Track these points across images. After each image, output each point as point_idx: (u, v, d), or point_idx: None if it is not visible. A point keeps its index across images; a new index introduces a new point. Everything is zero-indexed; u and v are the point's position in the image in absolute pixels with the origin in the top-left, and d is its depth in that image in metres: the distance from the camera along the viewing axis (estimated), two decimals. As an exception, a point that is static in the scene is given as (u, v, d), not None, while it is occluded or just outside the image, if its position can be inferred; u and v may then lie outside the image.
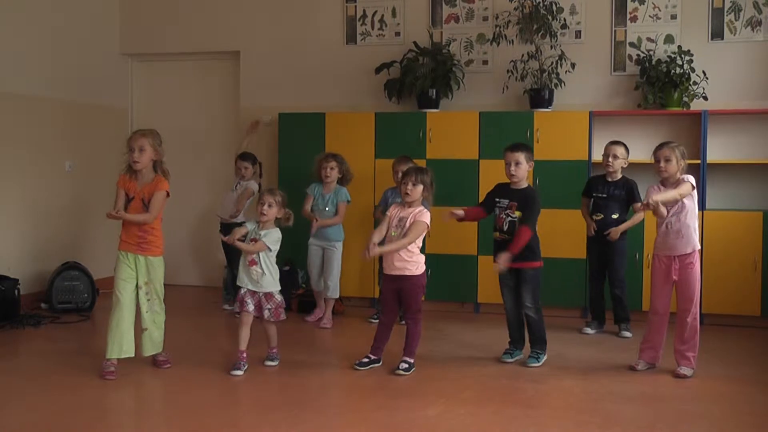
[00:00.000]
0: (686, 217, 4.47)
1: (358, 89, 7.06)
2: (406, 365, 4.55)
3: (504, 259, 4.60)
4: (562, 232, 6.12)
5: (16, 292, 5.90)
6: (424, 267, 4.64)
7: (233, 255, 5.71)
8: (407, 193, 4.57)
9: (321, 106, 6.95)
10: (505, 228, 4.73)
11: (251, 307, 4.55)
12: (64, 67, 6.86)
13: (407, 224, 4.54)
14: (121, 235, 4.51)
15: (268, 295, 4.59)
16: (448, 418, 3.79)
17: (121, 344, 4.38)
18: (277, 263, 4.67)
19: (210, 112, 7.64)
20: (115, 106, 7.59)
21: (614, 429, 3.65)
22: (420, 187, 4.58)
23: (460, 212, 4.79)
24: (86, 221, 7.10)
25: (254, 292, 4.58)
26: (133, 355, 4.44)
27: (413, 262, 4.56)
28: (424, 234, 4.57)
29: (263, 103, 7.25)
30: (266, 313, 4.58)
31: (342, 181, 6.01)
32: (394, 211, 4.69)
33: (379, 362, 4.67)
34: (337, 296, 6.03)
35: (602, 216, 5.60)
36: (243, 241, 4.59)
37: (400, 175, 5.66)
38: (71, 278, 6.35)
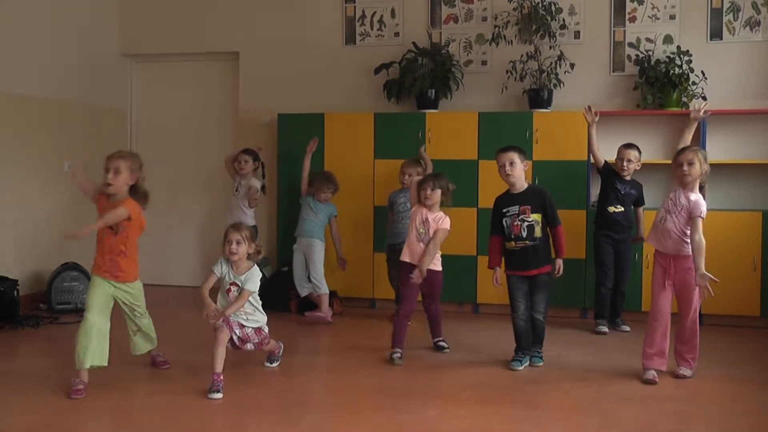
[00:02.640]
0: (677, 224, 4.46)
1: (357, 90, 7.06)
2: (445, 342, 5.10)
3: (560, 266, 4.69)
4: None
5: (15, 292, 5.90)
6: (440, 266, 5.04)
7: None
8: (427, 197, 4.84)
9: (320, 107, 6.95)
10: (524, 234, 4.64)
11: (236, 337, 4.32)
12: (64, 68, 6.86)
13: (431, 228, 4.86)
14: (95, 258, 4.34)
15: (258, 330, 4.42)
16: (447, 419, 3.79)
17: (84, 355, 4.09)
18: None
19: (209, 113, 7.64)
20: (114, 106, 7.59)
21: (613, 429, 3.65)
22: (438, 192, 4.86)
23: (499, 270, 4.81)
24: (85, 221, 6.98)
25: (243, 325, 4.36)
26: (105, 365, 4.19)
27: (436, 260, 4.95)
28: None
29: (262, 103, 7.25)
30: (249, 346, 4.39)
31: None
32: (419, 214, 4.92)
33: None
34: (326, 291, 6.03)
35: (623, 210, 5.70)
36: (229, 288, 4.35)
37: (406, 176, 5.80)
38: (70, 279, 6.35)
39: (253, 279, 4.34)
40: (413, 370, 4.64)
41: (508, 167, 4.65)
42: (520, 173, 4.68)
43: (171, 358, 4.69)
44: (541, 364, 4.75)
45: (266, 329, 4.48)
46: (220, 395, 4.06)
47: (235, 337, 4.33)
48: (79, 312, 6.19)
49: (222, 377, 4.14)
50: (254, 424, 3.72)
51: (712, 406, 4.05)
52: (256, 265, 4.43)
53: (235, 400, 4.06)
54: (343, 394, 4.26)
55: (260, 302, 4.46)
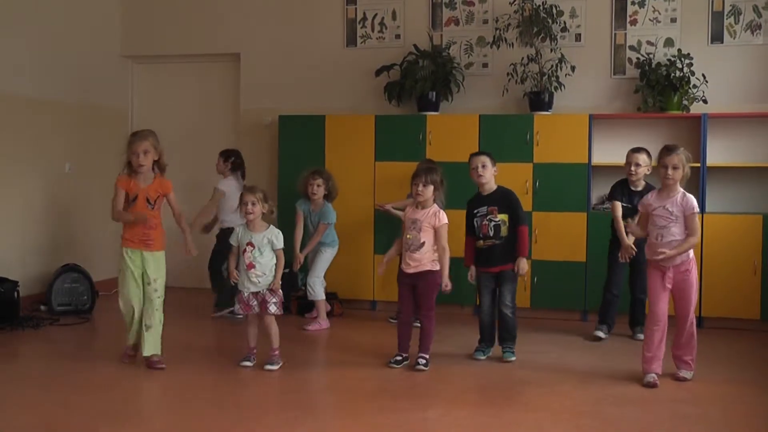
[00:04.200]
0: (675, 234, 4.37)
1: (358, 92, 7.07)
2: (424, 360, 4.69)
3: (523, 267, 4.83)
4: (562, 235, 6.13)
5: (15, 293, 5.89)
6: (438, 264, 4.77)
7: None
8: (419, 193, 4.71)
9: (321, 109, 6.96)
10: (491, 233, 4.89)
11: (257, 309, 4.65)
12: (65, 69, 6.86)
13: (421, 227, 4.68)
14: (123, 235, 4.64)
15: (272, 290, 4.65)
16: (447, 421, 3.80)
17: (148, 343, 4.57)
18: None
19: (210, 115, 7.64)
20: (115, 107, 7.59)
21: (614, 432, 3.66)
22: (431, 187, 4.73)
23: (473, 268, 4.99)
24: (86, 223, 7.10)
25: (257, 292, 4.64)
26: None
27: (431, 260, 4.73)
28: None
29: (263, 105, 7.25)
30: (272, 308, 4.63)
31: (327, 197, 5.98)
32: (408, 214, 4.80)
33: (408, 359, 4.77)
34: (319, 298, 5.91)
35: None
36: (245, 249, 4.65)
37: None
38: (71, 280, 6.35)
39: (280, 237, 4.67)
40: (414, 371, 4.64)
41: (480, 169, 4.91)
42: (490, 176, 4.93)
43: (170, 359, 4.68)
44: (513, 359, 4.85)
45: (279, 290, 4.68)
46: (249, 363, 4.62)
47: (257, 309, 4.65)
48: (79, 313, 6.22)
49: (255, 350, 4.67)
50: (255, 425, 3.72)
51: (712, 408, 4.05)
52: (272, 226, 4.70)
53: (235, 401, 4.06)
54: (344, 395, 4.26)
55: (273, 266, 4.67)
